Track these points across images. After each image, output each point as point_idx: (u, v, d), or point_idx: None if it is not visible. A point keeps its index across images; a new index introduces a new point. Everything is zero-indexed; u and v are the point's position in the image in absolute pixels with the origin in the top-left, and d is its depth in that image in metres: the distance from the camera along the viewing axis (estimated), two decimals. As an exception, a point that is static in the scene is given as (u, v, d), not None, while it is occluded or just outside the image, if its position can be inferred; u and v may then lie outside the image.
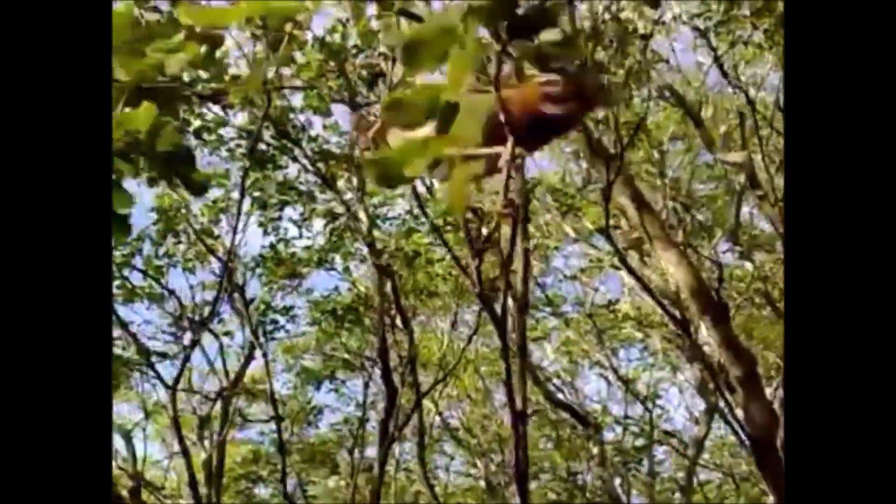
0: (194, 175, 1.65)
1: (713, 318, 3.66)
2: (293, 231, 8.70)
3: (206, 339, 8.44)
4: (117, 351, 7.26)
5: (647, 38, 5.77)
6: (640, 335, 10.90)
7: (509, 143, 1.40)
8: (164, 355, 6.06)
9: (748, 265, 7.50)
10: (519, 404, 3.26)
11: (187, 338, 7.66)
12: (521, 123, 1.46)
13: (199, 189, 1.68)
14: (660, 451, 11.59)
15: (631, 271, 4.56)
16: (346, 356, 9.26)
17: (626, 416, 10.93)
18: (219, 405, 8.03)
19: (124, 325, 6.24)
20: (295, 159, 7.36)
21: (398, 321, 7.24)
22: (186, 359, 6.47)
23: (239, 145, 7.16)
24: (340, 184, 8.20)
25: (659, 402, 11.50)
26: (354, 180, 7.97)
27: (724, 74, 7.44)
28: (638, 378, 11.54)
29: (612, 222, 7.02)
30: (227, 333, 8.46)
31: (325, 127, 7.97)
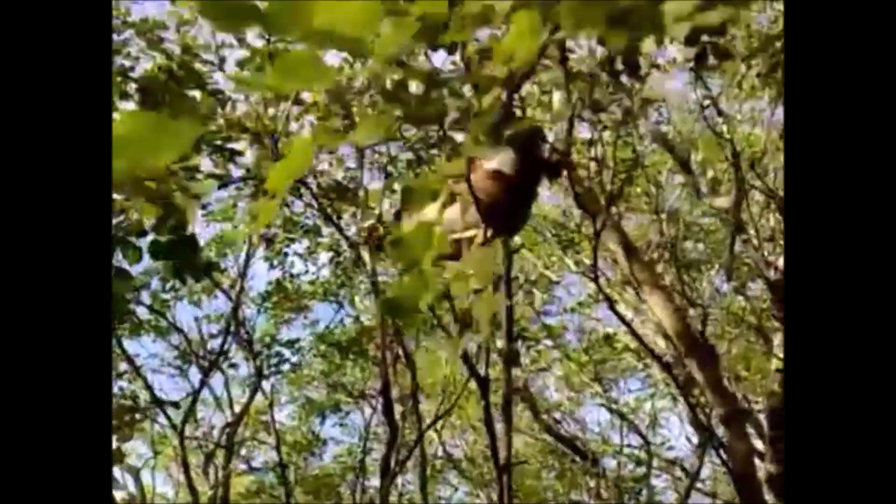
0: (197, 261, 1.80)
1: (699, 360, 3.80)
2: (299, 264, 8.89)
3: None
4: (124, 384, 7.42)
5: (642, 78, 5.96)
6: (640, 365, 11.01)
7: (481, 231, 1.56)
8: (175, 405, 6.19)
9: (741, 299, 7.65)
10: (503, 456, 3.37)
11: (193, 371, 7.82)
12: (492, 210, 1.62)
13: (200, 274, 1.83)
14: (661, 481, 11.65)
15: (616, 314, 4.70)
16: (349, 388, 9.38)
17: (629, 446, 10.99)
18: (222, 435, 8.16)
19: (130, 359, 6.40)
20: (300, 196, 7.53)
21: (401, 353, 7.37)
22: (194, 401, 6.61)
23: (246, 183, 7.36)
24: (346, 217, 8.38)
25: (660, 431, 11.58)
26: (359, 214, 8.15)
27: (720, 113, 7.62)
28: (639, 408, 11.63)
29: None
30: (232, 366, 8.59)
31: (330, 164, 8.19)
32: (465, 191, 1.55)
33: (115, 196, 1.56)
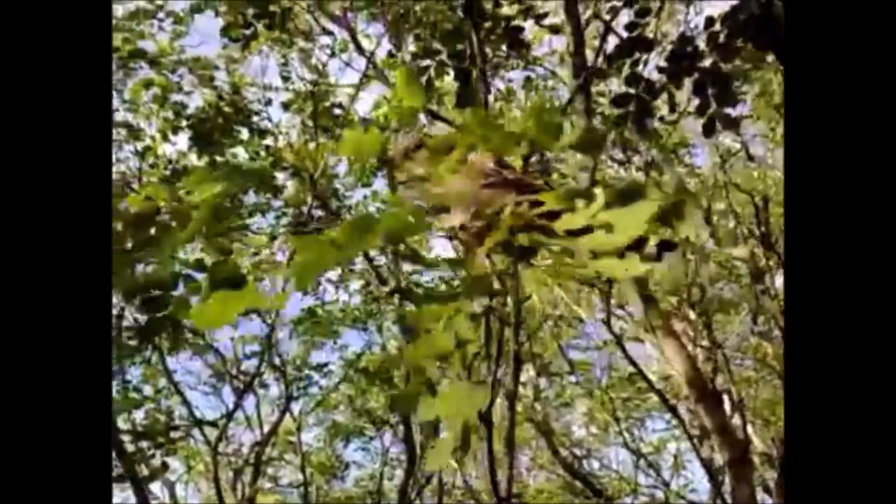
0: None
1: (707, 406, 3.95)
2: (331, 291, 9.17)
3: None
4: (161, 399, 7.72)
5: (673, 123, 6.13)
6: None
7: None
8: (214, 424, 6.48)
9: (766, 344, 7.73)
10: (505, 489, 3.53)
11: (226, 390, 8.12)
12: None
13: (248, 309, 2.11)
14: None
15: (627, 357, 4.87)
16: (373, 414, 9.59)
17: (650, 486, 10.99)
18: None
19: (170, 377, 6.70)
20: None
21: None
22: (228, 420, 6.89)
23: (285, 213, 7.67)
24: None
25: (684, 472, 11.56)
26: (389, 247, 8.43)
27: (750, 158, 7.77)
28: (663, 448, 11.64)
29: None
30: (263, 386, 8.88)
31: (365, 197, 8.49)
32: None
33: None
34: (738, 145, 7.04)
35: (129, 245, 1.66)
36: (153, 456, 5.40)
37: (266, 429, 8.61)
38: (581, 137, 1.07)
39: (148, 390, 8.22)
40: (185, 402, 6.24)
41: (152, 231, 1.74)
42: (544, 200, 1.06)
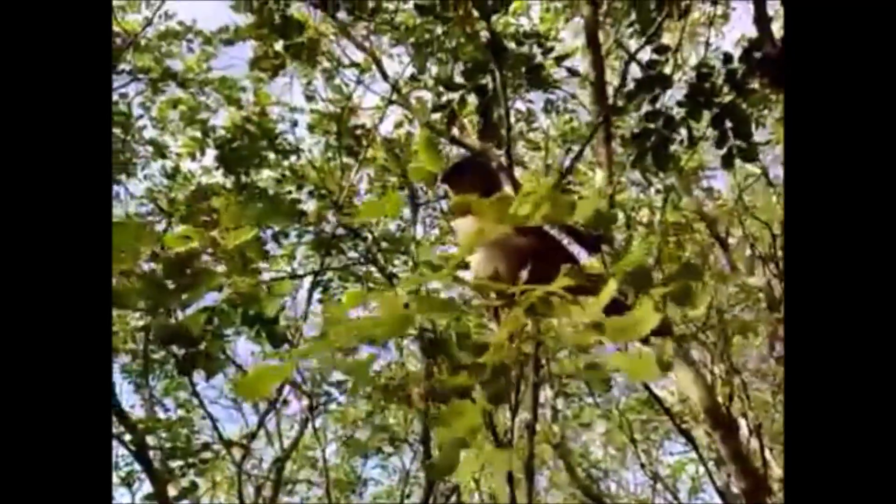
0: (277, 330, 2.18)
1: (722, 434, 4.00)
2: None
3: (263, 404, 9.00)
4: (183, 414, 7.83)
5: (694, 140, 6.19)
6: (685, 425, 11.02)
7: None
8: (243, 446, 6.59)
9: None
10: None
11: (246, 406, 8.20)
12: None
13: (279, 342, 2.20)
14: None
15: (645, 385, 4.91)
16: (392, 432, 9.66)
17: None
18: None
19: (196, 394, 6.81)
20: (355, 247, 7.91)
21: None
22: (252, 437, 6.98)
23: (307, 231, 7.78)
24: (398, 263, 8.73)
25: (701, 496, 11.51)
26: (409, 263, 8.50)
27: (770, 183, 7.78)
28: (681, 471, 11.60)
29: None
30: (284, 402, 8.96)
31: (386, 215, 8.57)
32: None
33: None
34: (757, 170, 7.07)
35: (170, 286, 1.74)
36: (183, 475, 5.49)
37: (286, 444, 8.69)
38: (594, 217, 1.13)
39: (169, 403, 8.34)
40: (212, 420, 6.34)
41: (190, 272, 1.83)
42: (564, 277, 1.11)
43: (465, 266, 1.41)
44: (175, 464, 5.61)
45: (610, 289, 1.05)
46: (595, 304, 1.03)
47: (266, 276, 8.47)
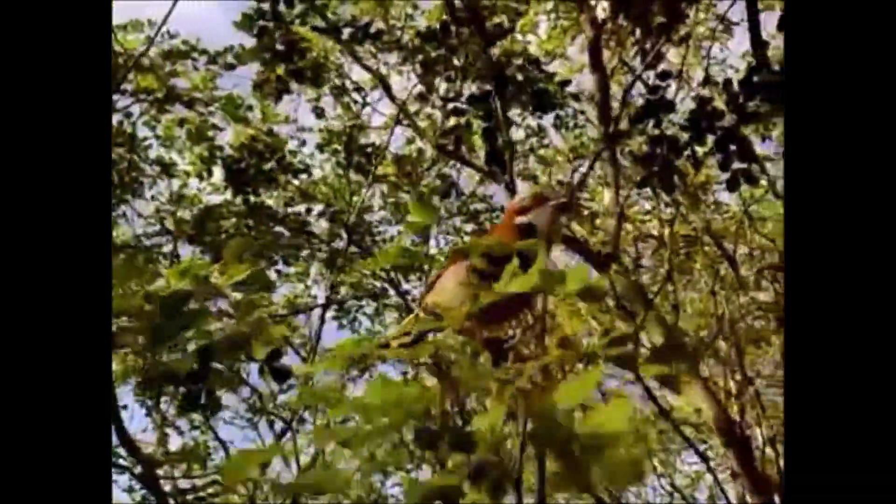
0: (279, 366, 2.17)
1: (735, 450, 3.98)
2: (367, 324, 9.26)
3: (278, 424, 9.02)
4: (196, 434, 7.86)
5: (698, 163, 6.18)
6: (701, 436, 10.96)
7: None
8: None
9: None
10: None
11: (262, 425, 8.22)
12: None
13: (282, 378, 2.20)
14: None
15: (652, 398, 4.89)
16: (410, 448, 9.63)
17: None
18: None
19: (207, 418, 6.83)
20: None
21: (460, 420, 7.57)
22: (266, 466, 7.00)
23: (319, 249, 7.80)
24: (412, 279, 8.74)
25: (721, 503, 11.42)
26: (424, 278, 8.51)
27: (777, 196, 7.73)
28: (699, 481, 11.53)
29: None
30: (301, 420, 8.96)
31: (399, 233, 8.58)
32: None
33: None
34: (765, 183, 7.03)
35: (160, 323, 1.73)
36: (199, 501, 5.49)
37: (302, 461, 8.70)
38: (584, 289, 1.12)
39: (183, 423, 8.36)
40: (225, 450, 6.35)
41: (186, 312, 1.83)
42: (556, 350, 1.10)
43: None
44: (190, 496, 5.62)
45: (597, 374, 1.04)
46: (583, 387, 1.02)
47: (279, 292, 8.50)
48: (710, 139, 3.10)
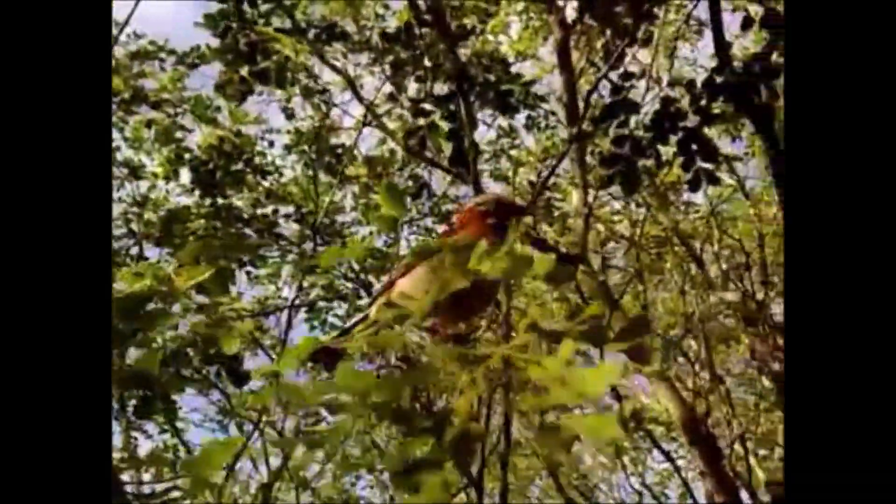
0: (238, 369, 2.16)
1: (701, 449, 4.00)
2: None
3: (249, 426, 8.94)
4: (166, 437, 7.77)
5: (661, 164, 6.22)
6: (672, 434, 11.06)
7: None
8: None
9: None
10: None
11: (232, 427, 8.15)
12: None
13: (241, 382, 2.19)
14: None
15: (618, 396, 4.92)
16: (383, 448, 9.61)
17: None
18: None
19: (172, 423, 6.76)
20: (339, 265, 7.88)
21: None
22: (236, 460, 6.93)
23: (289, 251, 7.75)
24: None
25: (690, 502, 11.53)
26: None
27: (747, 196, 7.82)
28: (671, 478, 11.62)
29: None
30: (270, 423, 8.89)
31: (371, 233, 8.55)
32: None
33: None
34: (734, 182, 7.11)
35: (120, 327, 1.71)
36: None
37: (272, 464, 8.63)
38: (552, 272, 1.12)
39: (151, 427, 8.26)
40: (184, 444, 6.28)
41: (143, 314, 1.80)
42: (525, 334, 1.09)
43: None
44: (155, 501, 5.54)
45: (570, 347, 1.03)
46: (557, 361, 1.00)
47: (248, 296, 8.44)
48: (674, 139, 3.12)
